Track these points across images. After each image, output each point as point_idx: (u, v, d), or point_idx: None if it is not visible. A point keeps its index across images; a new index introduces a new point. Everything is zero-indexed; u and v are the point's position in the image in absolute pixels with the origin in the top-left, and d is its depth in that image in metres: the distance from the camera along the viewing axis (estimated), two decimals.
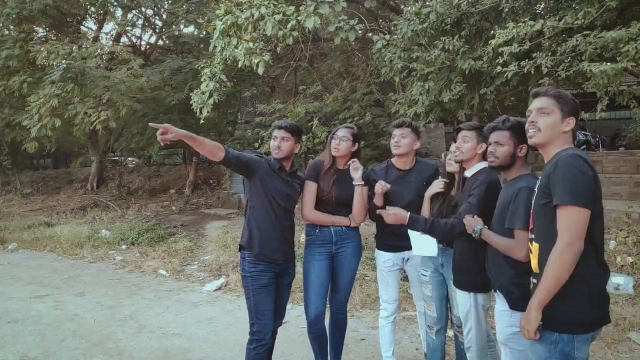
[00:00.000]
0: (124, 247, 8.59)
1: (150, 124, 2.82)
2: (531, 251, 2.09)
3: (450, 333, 3.55)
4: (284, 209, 3.19)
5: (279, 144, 3.19)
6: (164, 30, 13.45)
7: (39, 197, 15.47)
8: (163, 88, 11.66)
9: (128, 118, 12.35)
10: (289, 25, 6.08)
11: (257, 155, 3.23)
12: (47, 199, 15.08)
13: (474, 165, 2.75)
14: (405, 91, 8.10)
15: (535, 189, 2.06)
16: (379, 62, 7.03)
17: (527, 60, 5.02)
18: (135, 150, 15.09)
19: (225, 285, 5.99)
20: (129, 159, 17.10)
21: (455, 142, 2.83)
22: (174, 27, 13.50)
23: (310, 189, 3.34)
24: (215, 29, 6.92)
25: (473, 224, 2.47)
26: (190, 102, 8.31)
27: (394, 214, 2.74)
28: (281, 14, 6.14)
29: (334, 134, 3.36)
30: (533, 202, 2.07)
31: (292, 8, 6.14)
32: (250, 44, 6.31)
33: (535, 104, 2.11)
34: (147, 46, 14.48)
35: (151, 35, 14.50)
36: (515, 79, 5.52)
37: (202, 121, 8.40)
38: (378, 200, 3.22)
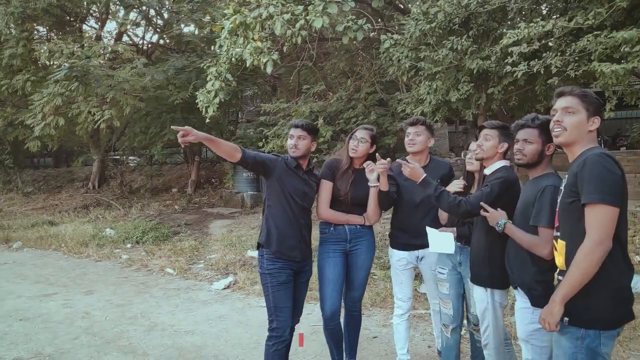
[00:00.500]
0: (129, 245, 8.60)
1: (172, 127, 2.85)
2: (556, 249, 2.11)
3: (462, 331, 3.58)
4: (302, 207, 3.21)
5: (295, 142, 3.21)
6: (165, 29, 13.42)
7: (41, 195, 15.44)
8: (166, 87, 11.66)
9: (131, 117, 12.37)
10: (297, 25, 6.09)
11: (274, 155, 3.26)
12: (49, 198, 15.06)
13: (494, 164, 2.78)
14: (409, 90, 8.13)
15: (562, 188, 2.09)
16: (386, 61, 7.04)
17: (536, 60, 5.04)
18: (138, 149, 15.09)
19: (234, 284, 6.00)
20: (130, 157, 17.08)
21: (477, 140, 2.86)
22: (174, 26, 13.52)
23: (326, 188, 3.36)
24: (223, 28, 6.93)
25: (497, 217, 2.49)
26: (196, 101, 8.33)
27: (412, 168, 2.86)
28: (290, 14, 6.15)
29: (352, 134, 3.38)
30: (559, 200, 2.09)
31: (301, 7, 6.16)
32: (259, 44, 6.31)
33: (560, 103, 2.13)
34: (149, 45, 14.47)
35: (153, 34, 14.50)
36: (523, 79, 5.54)
37: (207, 120, 8.40)
38: (383, 185, 3.22)
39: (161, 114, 12.60)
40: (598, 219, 1.85)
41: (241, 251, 7.60)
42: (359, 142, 3.33)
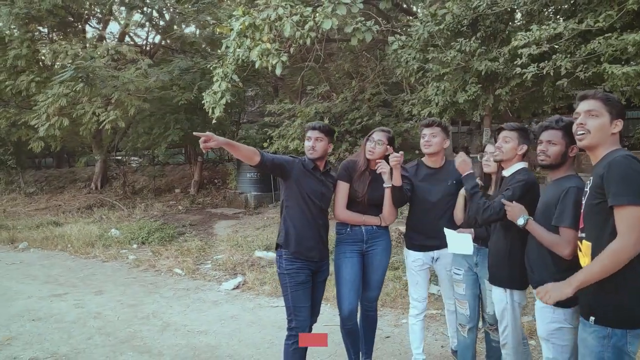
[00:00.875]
0: (135, 246, 8.62)
1: (194, 133, 2.87)
2: (580, 249, 2.14)
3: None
4: (319, 208, 3.25)
5: (313, 144, 3.25)
6: (168, 30, 13.45)
7: (43, 196, 15.44)
8: (170, 88, 11.68)
9: (134, 117, 12.39)
10: (306, 26, 6.12)
11: (291, 157, 3.30)
12: (52, 198, 15.06)
13: (513, 165, 2.81)
14: (415, 92, 8.16)
15: (586, 189, 2.12)
16: (394, 62, 7.07)
17: (546, 61, 5.08)
18: (141, 150, 15.10)
19: (243, 284, 6.03)
20: (132, 158, 17.10)
21: (495, 142, 2.89)
22: (175, 27, 13.56)
23: (343, 189, 3.39)
24: (231, 29, 6.95)
25: (518, 212, 2.51)
26: (202, 102, 8.35)
27: (463, 160, 2.99)
28: (299, 15, 6.18)
29: (369, 136, 3.41)
30: (584, 202, 2.12)
31: (310, 9, 6.18)
32: (268, 45, 6.34)
33: (582, 106, 2.16)
34: (152, 46, 14.47)
35: (155, 35, 14.52)
36: (531, 80, 5.57)
37: (214, 121, 8.42)
38: (396, 180, 3.25)
39: (165, 115, 12.61)
40: (630, 221, 1.88)
41: (248, 251, 7.63)
42: (376, 144, 3.36)
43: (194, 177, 14.60)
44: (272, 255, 7.27)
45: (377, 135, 3.38)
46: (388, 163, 3.29)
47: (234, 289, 5.91)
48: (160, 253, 7.88)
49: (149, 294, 5.78)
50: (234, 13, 6.85)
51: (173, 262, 7.33)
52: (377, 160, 3.34)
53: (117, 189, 15.12)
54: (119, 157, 17.29)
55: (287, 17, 6.23)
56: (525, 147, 2.79)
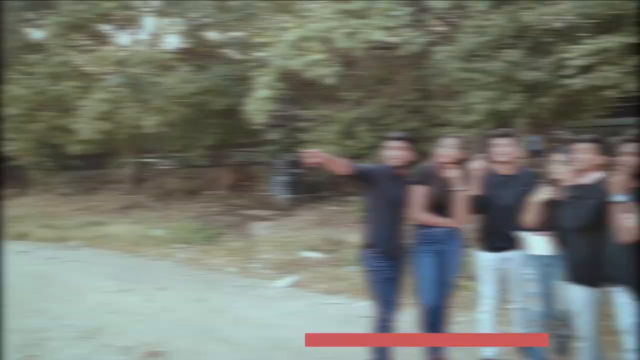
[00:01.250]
0: (180, 245, 8.94)
1: (301, 151, 3.16)
2: None
3: None
4: (400, 211, 3.58)
5: (395, 153, 3.58)
6: (205, 37, 13.87)
7: (79, 197, 15.90)
8: (208, 93, 12.06)
9: (171, 121, 12.79)
10: (357, 37, 6.44)
11: (375, 165, 3.65)
12: (87, 199, 15.51)
13: (588, 175, 3.08)
14: (453, 99, 8.42)
15: None
16: (436, 70, 7.36)
17: (595, 73, 5.34)
18: (174, 152, 15.52)
19: (297, 283, 6.33)
20: (164, 160, 17.53)
21: (568, 152, 3.17)
22: (212, 34, 13.96)
23: (421, 192, 3.68)
24: (279, 40, 7.30)
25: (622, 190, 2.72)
26: (240, 107, 8.72)
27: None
28: (350, 27, 6.50)
29: (440, 143, 3.73)
30: None
31: (360, 21, 6.50)
32: (318, 56, 6.67)
33: None
34: (189, 52, 14.88)
35: (192, 42, 14.91)
36: (576, 90, 5.83)
37: (255, 127, 8.76)
38: (471, 186, 3.53)
39: (199, 120, 12.99)
40: None
41: (292, 251, 7.92)
42: (448, 150, 3.68)
43: (225, 179, 14.95)
44: (317, 255, 7.58)
45: (449, 141, 3.71)
46: (462, 167, 3.62)
47: (288, 287, 6.22)
48: (208, 252, 8.22)
49: (210, 290, 6.09)
50: (286, 25, 7.19)
51: (222, 260, 7.67)
52: (449, 166, 3.67)
53: (151, 191, 15.53)
54: (152, 159, 17.72)
55: (339, 29, 6.56)
56: (599, 158, 3.06)
